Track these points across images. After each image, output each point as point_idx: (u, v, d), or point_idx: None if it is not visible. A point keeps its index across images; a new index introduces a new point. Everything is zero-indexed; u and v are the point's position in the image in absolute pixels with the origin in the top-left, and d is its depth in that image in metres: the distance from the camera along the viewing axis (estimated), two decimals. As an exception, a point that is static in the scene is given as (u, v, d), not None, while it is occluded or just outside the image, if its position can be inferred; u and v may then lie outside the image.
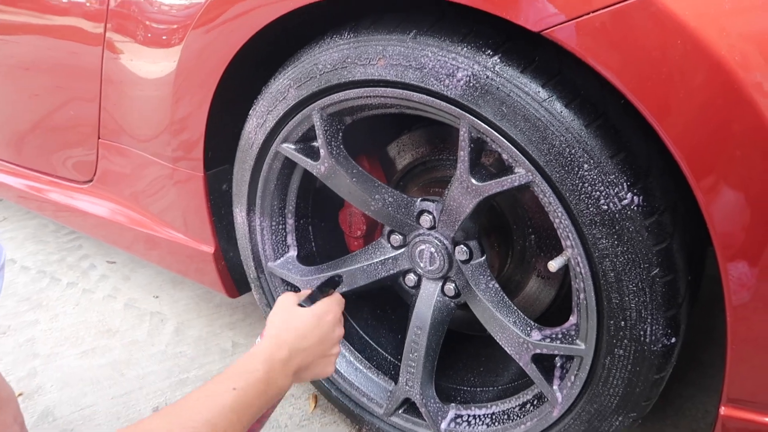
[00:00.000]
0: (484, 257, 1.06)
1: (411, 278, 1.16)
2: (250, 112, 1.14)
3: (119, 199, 1.58)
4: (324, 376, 0.97)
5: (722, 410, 0.82)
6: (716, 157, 0.69)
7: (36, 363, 1.58)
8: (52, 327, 1.74)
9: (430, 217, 1.05)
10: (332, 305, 0.98)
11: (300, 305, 0.98)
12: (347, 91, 0.98)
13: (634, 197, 0.78)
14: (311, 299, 1.00)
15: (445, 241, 1.06)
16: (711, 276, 0.93)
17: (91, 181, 1.63)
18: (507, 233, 1.20)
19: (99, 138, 1.51)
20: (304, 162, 1.10)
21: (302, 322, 0.91)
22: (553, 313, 1.23)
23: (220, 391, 0.72)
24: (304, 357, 0.88)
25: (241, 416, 0.72)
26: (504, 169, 0.90)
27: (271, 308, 1.33)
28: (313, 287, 1.10)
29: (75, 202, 1.68)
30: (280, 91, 1.06)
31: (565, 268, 0.96)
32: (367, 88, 0.95)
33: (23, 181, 1.84)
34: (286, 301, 0.97)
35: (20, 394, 1.47)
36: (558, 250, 1.16)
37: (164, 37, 1.21)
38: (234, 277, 1.42)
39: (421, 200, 1.06)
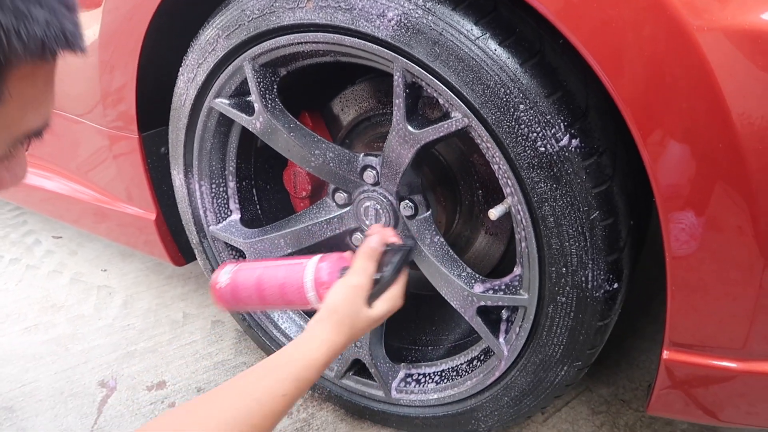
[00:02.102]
0: (429, 212, 1.02)
1: (358, 237, 1.13)
2: (181, 67, 1.08)
3: (59, 169, 1.51)
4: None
5: (665, 354, 0.81)
6: (660, 106, 0.67)
7: (-25, 342, 1.52)
8: (-7, 305, 1.67)
9: (374, 172, 1.01)
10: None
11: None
12: (277, 38, 0.92)
13: (572, 138, 0.75)
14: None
15: (390, 197, 1.03)
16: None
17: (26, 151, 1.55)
18: (454, 189, 1.17)
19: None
20: (239, 117, 1.05)
21: (357, 310, 0.85)
22: (504, 269, 1.21)
23: (278, 378, 0.75)
24: (359, 332, 0.85)
25: (294, 394, 0.75)
26: (442, 115, 0.86)
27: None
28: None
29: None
30: (209, 41, 1.00)
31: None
32: (297, 34, 0.90)
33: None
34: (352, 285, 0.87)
35: (-43, 374, 1.41)
36: (507, 204, 1.14)
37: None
38: (179, 245, 1.37)
39: (364, 155, 1.02)
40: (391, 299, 0.88)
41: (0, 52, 0.44)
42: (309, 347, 0.80)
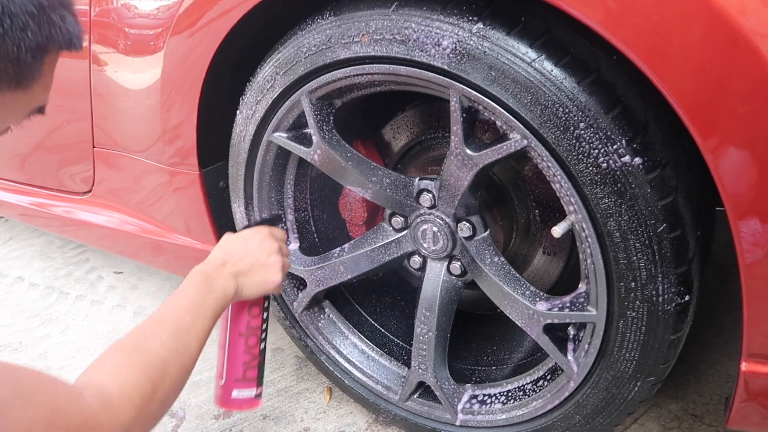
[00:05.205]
0: (487, 232, 1.04)
1: (416, 260, 1.14)
2: (240, 104, 1.12)
3: (119, 206, 1.57)
4: (273, 284, 1.04)
5: (743, 366, 0.80)
6: (722, 113, 0.67)
7: (49, 377, 1.58)
8: (63, 340, 1.73)
9: (430, 195, 1.03)
10: (261, 227, 1.09)
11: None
12: (334, 72, 0.96)
13: (634, 153, 0.76)
14: (249, 226, 1.11)
15: (447, 219, 1.04)
16: (726, 242, 0.90)
17: (90, 191, 1.62)
18: (510, 208, 1.18)
19: (94, 147, 1.50)
20: (297, 149, 1.08)
21: (236, 237, 1.05)
22: (563, 285, 1.21)
23: (175, 301, 0.90)
24: (239, 263, 1.00)
25: (197, 314, 0.89)
26: (499, 137, 0.88)
27: (277, 302, 1.32)
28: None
29: (77, 214, 1.67)
30: (267, 79, 1.04)
31: (572, 238, 0.93)
32: (353, 67, 0.93)
33: (25, 198, 1.84)
34: (229, 233, 1.09)
35: (35, 409, 1.46)
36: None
37: (151, 43, 1.20)
38: (239, 276, 1.41)
39: (420, 179, 1.04)
40: (258, 226, 1.08)
41: (45, 41, 0.61)
42: (188, 278, 0.96)
